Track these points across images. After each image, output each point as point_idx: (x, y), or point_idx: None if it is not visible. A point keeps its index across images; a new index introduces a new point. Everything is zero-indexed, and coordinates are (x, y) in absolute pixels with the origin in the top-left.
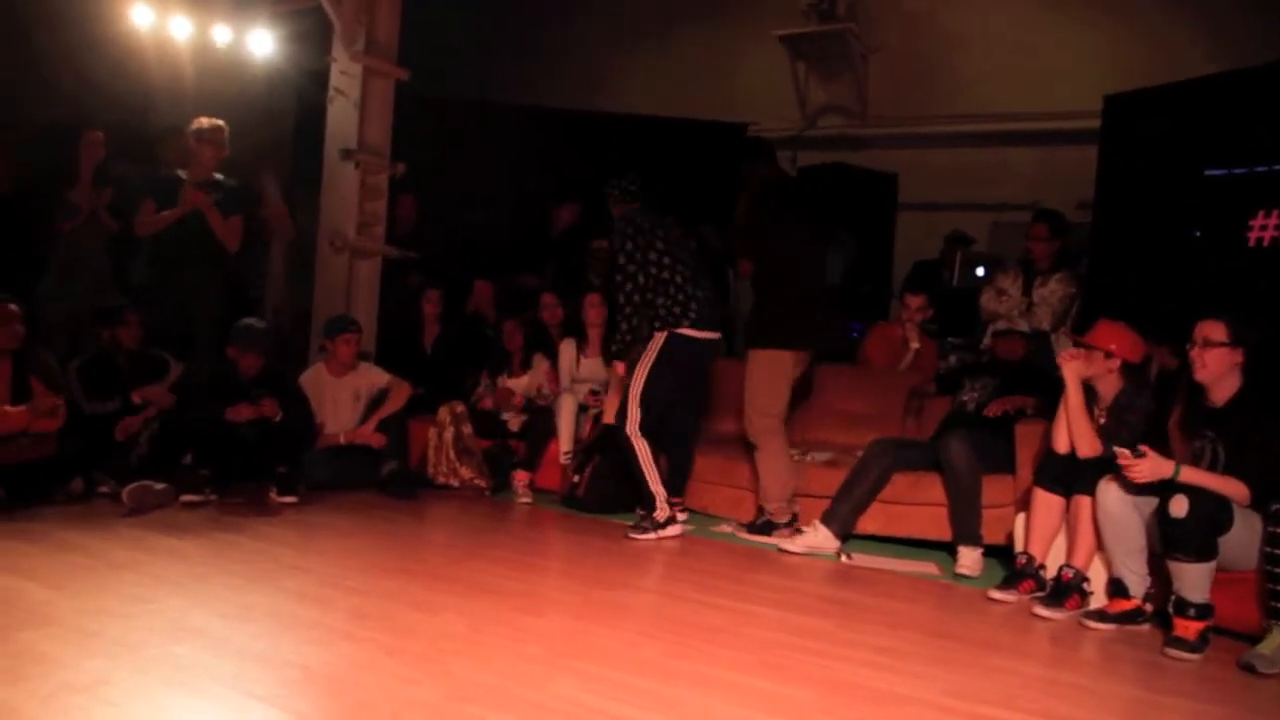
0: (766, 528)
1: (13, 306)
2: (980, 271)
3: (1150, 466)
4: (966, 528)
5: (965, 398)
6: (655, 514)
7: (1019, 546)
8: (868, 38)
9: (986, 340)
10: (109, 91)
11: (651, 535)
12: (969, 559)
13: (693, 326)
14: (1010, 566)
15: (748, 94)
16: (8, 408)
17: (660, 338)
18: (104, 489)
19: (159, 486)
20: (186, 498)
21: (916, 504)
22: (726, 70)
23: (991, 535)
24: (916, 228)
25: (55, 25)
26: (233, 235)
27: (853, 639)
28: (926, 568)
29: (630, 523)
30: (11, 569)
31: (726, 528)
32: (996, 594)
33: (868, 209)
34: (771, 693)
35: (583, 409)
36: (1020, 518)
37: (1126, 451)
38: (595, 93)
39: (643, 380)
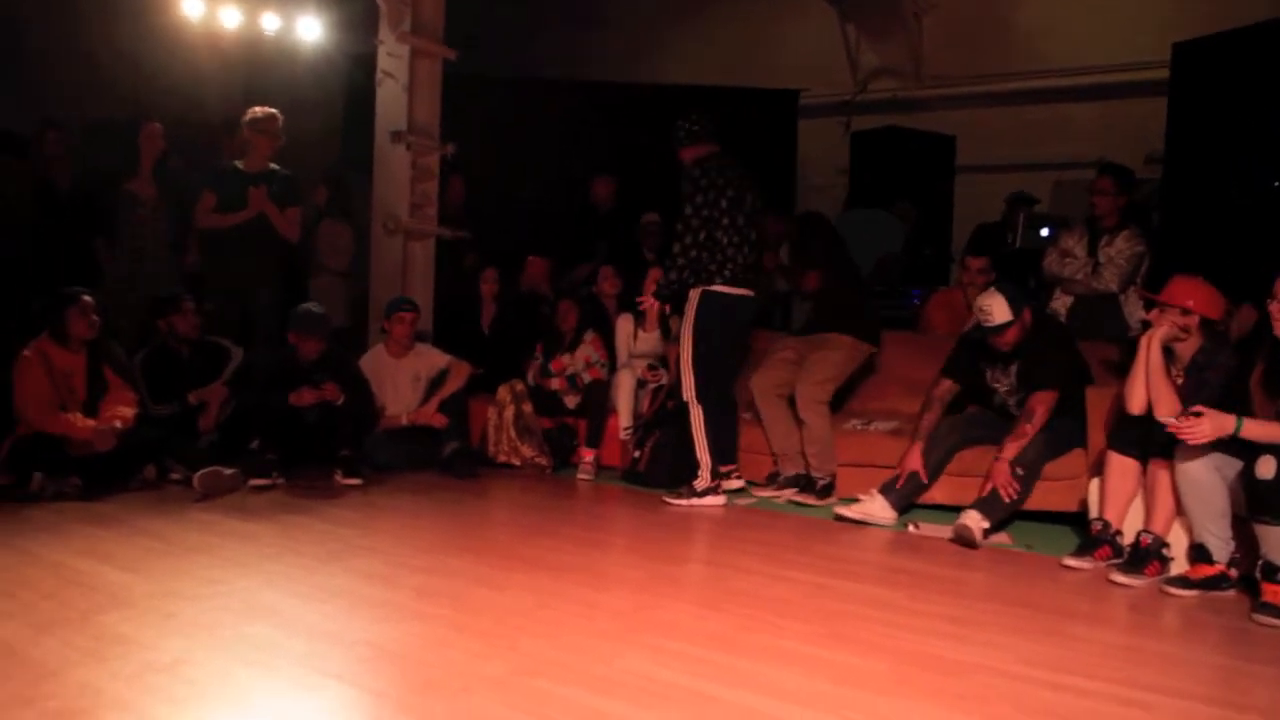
0: (809, 484)
1: (88, 298)
2: (1045, 232)
3: (1211, 425)
4: (991, 510)
5: (994, 385)
6: (695, 482)
7: (1093, 512)
8: None
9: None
10: (162, 85)
11: (684, 502)
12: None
13: (726, 283)
14: (1084, 533)
15: (796, 60)
16: (78, 420)
17: (696, 295)
18: (175, 475)
19: (228, 471)
20: (255, 482)
21: (985, 477)
22: (774, 37)
23: (1064, 502)
24: (976, 190)
25: (108, 22)
26: (292, 227)
27: (923, 609)
28: (997, 537)
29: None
30: (90, 554)
31: (761, 492)
32: (1071, 561)
33: (925, 173)
34: (844, 664)
35: (641, 384)
36: (1094, 483)
37: (1173, 419)
38: (641, 65)
39: (690, 343)
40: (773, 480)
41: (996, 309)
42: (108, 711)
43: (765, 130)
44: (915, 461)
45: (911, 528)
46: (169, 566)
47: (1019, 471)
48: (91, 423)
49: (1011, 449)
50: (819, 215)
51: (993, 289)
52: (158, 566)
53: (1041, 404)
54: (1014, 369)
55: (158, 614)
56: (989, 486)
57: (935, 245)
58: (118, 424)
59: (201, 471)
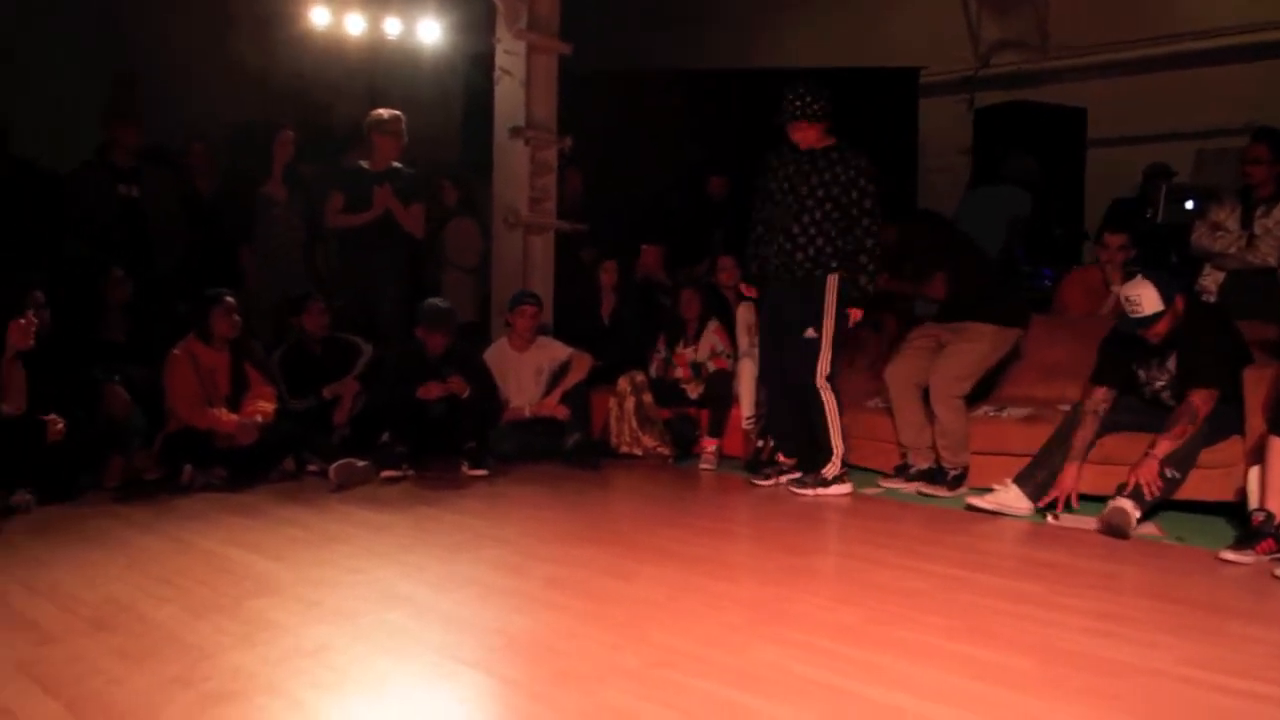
0: (939, 475)
1: (230, 299)
2: (1189, 205)
3: None
4: (1142, 498)
5: (1146, 382)
6: (825, 470)
7: (1253, 503)
8: None
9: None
10: (291, 91)
11: (810, 491)
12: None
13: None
14: (1243, 525)
15: (914, 37)
16: (223, 415)
17: (835, 280)
18: (312, 467)
19: (361, 463)
20: (386, 473)
21: (1130, 464)
22: (890, 14)
23: (1218, 491)
24: (1109, 164)
25: (241, 33)
26: (416, 222)
27: (1070, 604)
28: (1145, 528)
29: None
30: (238, 543)
31: (888, 484)
32: (1230, 555)
33: (1054, 148)
34: (989, 661)
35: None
36: (1253, 471)
37: None
38: (752, 51)
39: (832, 327)
40: (901, 472)
41: (1146, 299)
42: (260, 694)
43: (884, 112)
44: (1073, 482)
45: (1051, 518)
46: (311, 555)
47: (1168, 473)
48: (235, 417)
49: (1165, 446)
50: (925, 215)
51: (1140, 277)
52: (301, 555)
53: (1203, 403)
54: (1170, 362)
55: (302, 601)
56: (1134, 479)
57: (1067, 223)
58: (259, 418)
59: (336, 463)
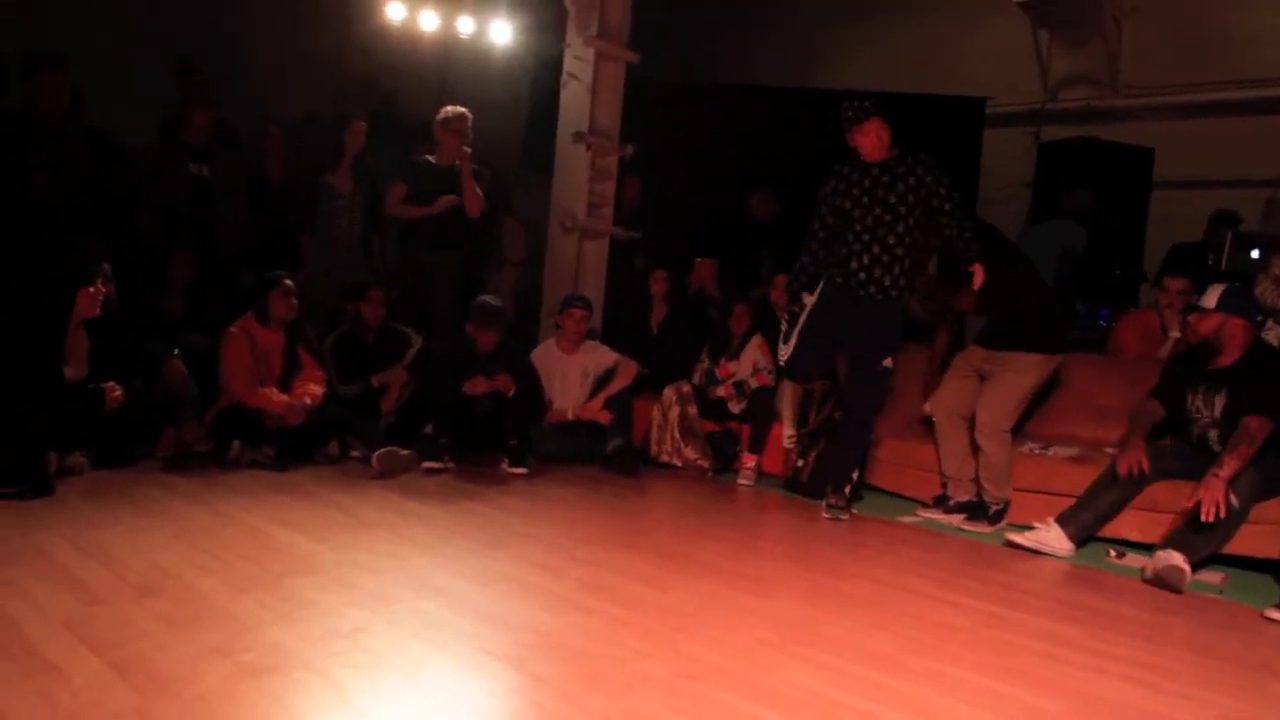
0: (979, 510)
1: (288, 282)
2: (1255, 254)
3: None
4: (1192, 548)
5: (1194, 416)
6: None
7: None
8: None
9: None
10: (362, 83)
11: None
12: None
13: None
14: None
15: (981, 66)
16: (274, 395)
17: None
18: (356, 453)
19: (404, 452)
20: (427, 464)
21: (1179, 513)
22: (958, 41)
23: (1266, 548)
24: (1173, 207)
25: (318, 23)
26: (475, 202)
27: (1108, 650)
28: (1209, 576)
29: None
30: (282, 521)
31: (926, 513)
32: (1276, 614)
33: (1117, 187)
34: (1020, 701)
35: (808, 394)
36: None
37: None
38: (817, 70)
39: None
40: (940, 503)
41: (1210, 294)
42: (296, 670)
43: (947, 139)
44: (1139, 455)
45: (1112, 554)
46: (350, 539)
47: (1233, 500)
48: (285, 398)
49: (1231, 466)
50: (987, 226)
51: (1218, 284)
52: (341, 538)
53: (1260, 428)
54: (1218, 399)
55: (341, 583)
56: (1188, 512)
57: (1126, 264)
58: (308, 400)
59: (380, 451)
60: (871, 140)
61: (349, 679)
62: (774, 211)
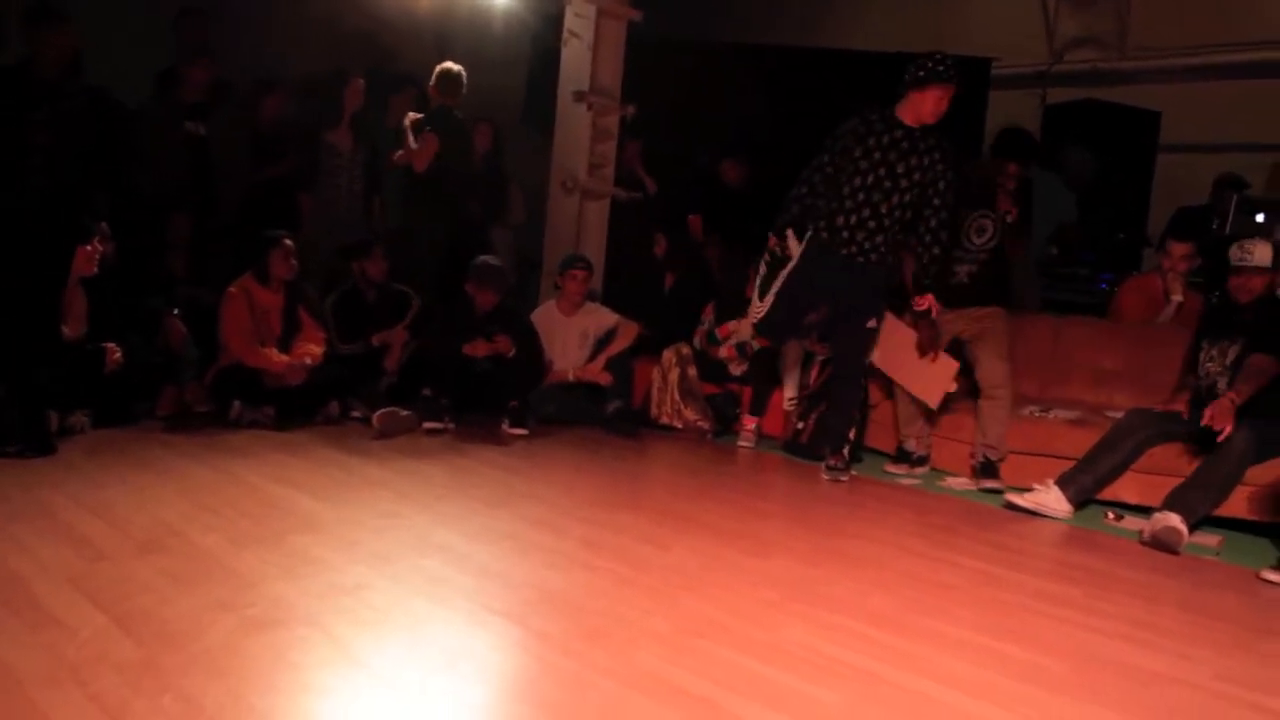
0: (990, 469)
1: (288, 241)
2: (1260, 218)
3: None
4: (1190, 509)
5: (1204, 369)
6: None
7: None
8: None
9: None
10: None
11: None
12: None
13: None
14: None
15: (988, 26)
16: (274, 355)
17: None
18: (356, 413)
19: (404, 413)
20: (428, 425)
21: (1180, 476)
22: (965, 1)
23: (1264, 511)
24: (1179, 171)
25: None
26: (421, 155)
27: (1106, 610)
28: (1205, 539)
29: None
30: (285, 480)
31: (954, 482)
32: (1271, 575)
33: (1124, 150)
34: (1018, 659)
35: (809, 356)
36: None
37: None
38: (820, 30)
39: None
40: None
41: (1260, 251)
42: (300, 625)
43: (953, 101)
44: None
45: (1110, 516)
46: (352, 496)
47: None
48: (285, 358)
49: (1244, 392)
50: None
51: (1259, 238)
52: (342, 496)
53: (1269, 365)
54: (1232, 351)
55: (343, 540)
56: (1209, 415)
57: (1130, 228)
58: (308, 360)
59: (380, 411)
60: (930, 106)
61: (352, 634)
62: (744, 176)
